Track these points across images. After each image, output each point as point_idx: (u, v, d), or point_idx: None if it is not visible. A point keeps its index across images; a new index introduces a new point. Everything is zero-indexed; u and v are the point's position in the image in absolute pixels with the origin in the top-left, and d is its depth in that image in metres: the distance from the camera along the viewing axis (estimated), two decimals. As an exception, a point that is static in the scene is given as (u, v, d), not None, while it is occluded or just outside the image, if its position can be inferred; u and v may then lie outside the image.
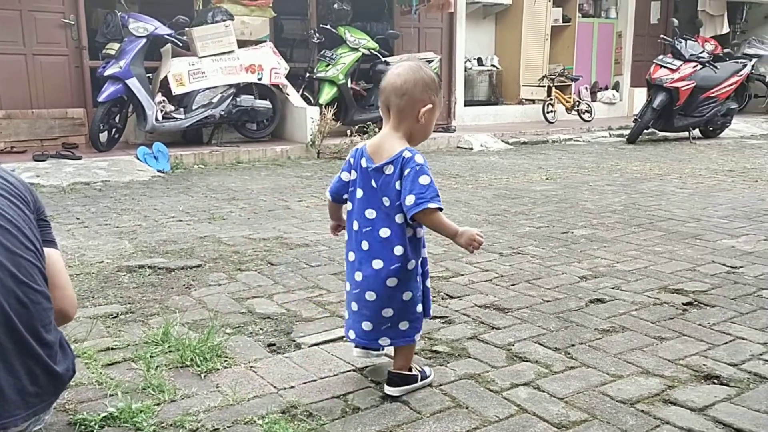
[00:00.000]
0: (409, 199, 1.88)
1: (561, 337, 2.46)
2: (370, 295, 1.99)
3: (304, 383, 2.10)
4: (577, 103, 10.82)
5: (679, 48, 9.11)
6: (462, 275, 3.20)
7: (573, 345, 2.39)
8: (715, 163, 7.23)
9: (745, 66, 9.74)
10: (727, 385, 2.08)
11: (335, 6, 8.43)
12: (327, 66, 8.22)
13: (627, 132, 9.52)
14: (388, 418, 1.90)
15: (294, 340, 2.44)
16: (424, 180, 1.89)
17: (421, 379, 2.07)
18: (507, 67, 11.14)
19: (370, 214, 1.98)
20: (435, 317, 2.65)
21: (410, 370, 2.05)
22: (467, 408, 1.95)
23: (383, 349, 2.17)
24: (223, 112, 7.44)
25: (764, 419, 1.86)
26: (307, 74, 8.46)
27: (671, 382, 2.10)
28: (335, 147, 7.68)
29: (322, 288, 3.02)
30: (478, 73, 10.91)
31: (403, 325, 2.01)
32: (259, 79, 7.66)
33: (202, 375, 2.16)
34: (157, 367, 2.20)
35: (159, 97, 7.20)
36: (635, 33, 12.48)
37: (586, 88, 12.03)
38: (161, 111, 7.17)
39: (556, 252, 3.62)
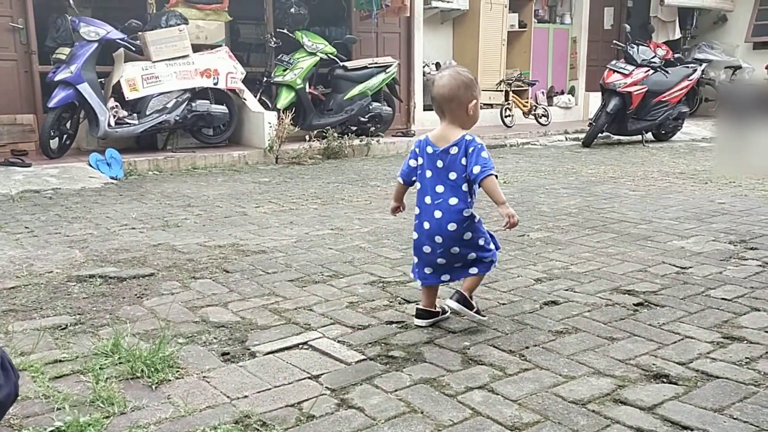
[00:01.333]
0: (476, 169, 2.44)
1: (515, 339, 2.48)
2: (455, 250, 2.52)
3: (258, 392, 2.08)
4: (534, 108, 10.98)
5: (632, 53, 9.32)
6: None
7: (527, 347, 2.41)
8: (667, 165, 7.40)
9: (695, 71, 10.01)
10: (675, 383, 2.12)
11: (292, 10, 8.39)
12: (284, 70, 8.17)
13: (582, 136, 9.69)
14: (342, 425, 1.89)
15: (248, 349, 2.40)
16: (485, 155, 2.46)
17: (476, 313, 2.59)
18: (465, 71, 11.23)
19: (440, 188, 2.51)
20: (391, 323, 2.65)
21: (471, 299, 2.59)
22: (422, 413, 1.95)
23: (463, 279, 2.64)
24: (178, 118, 7.34)
25: (710, 416, 1.91)
26: (265, 79, 8.40)
27: (622, 381, 2.13)
28: (293, 152, 7.64)
29: (278, 295, 2.99)
30: (436, 77, 10.98)
31: (486, 260, 2.59)
32: (215, 84, 7.58)
33: (153, 386, 2.11)
34: (106, 379, 2.15)
35: (111, 103, 7.06)
36: (589, 38, 12.73)
37: (543, 92, 12.22)
38: (114, 116, 7.03)
39: (512, 255, 3.65)
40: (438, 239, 2.52)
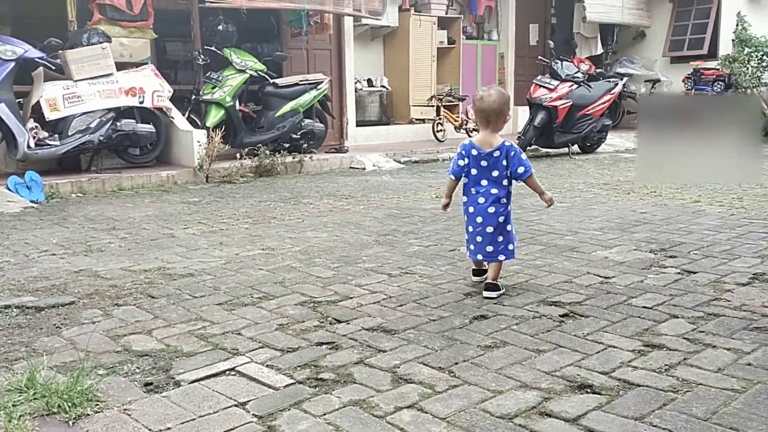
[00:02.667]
0: (521, 169, 3.17)
1: (445, 356, 2.49)
2: (489, 229, 3.20)
3: (182, 423, 2.01)
4: (465, 122, 11.17)
5: (556, 68, 9.61)
6: (351, 298, 3.19)
7: (456, 363, 2.42)
8: (592, 177, 7.64)
9: (617, 84, 10.39)
10: (598, 393, 2.17)
11: (220, 27, 8.30)
12: (213, 88, 8.06)
13: (512, 149, 9.87)
14: (269, 453, 1.85)
15: (173, 378, 2.33)
16: (523, 157, 3.20)
17: (501, 289, 3.21)
18: (396, 87, 11.36)
19: (484, 182, 3.21)
20: (321, 344, 2.62)
21: (497, 280, 3.23)
22: (351, 436, 1.92)
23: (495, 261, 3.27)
24: (102, 137, 7.12)
25: (631, 425, 1.96)
26: (193, 97, 8.26)
27: (548, 394, 2.17)
28: (224, 171, 7.52)
29: (205, 320, 2.92)
30: (368, 93, 11.05)
31: (510, 246, 3.25)
32: (141, 103, 7.40)
33: (71, 422, 2.02)
34: (20, 416, 2.04)
35: (31, 124, 6.79)
36: (516, 54, 13.07)
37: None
38: (34, 138, 6.76)
39: (443, 270, 3.68)
40: (479, 219, 3.21)
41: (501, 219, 3.20)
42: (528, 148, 9.62)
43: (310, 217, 5.35)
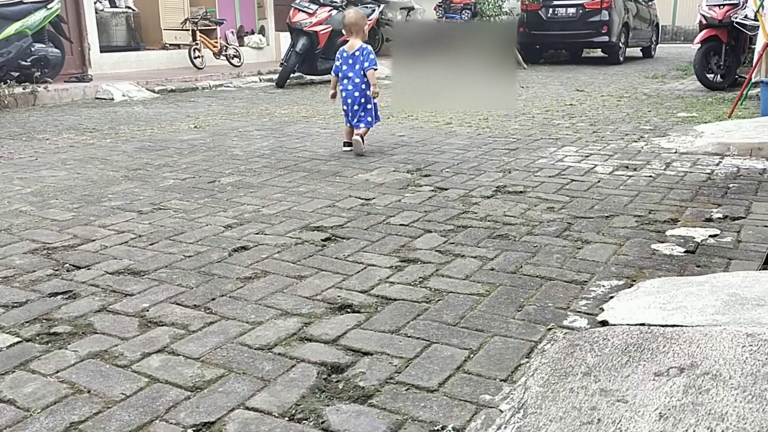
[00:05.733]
0: (366, 64, 4.61)
1: (201, 292, 2.32)
2: (355, 107, 4.63)
3: None
4: (224, 48, 10.64)
5: (314, -8, 9.44)
6: (93, 241, 2.85)
7: (213, 299, 2.27)
8: (354, 102, 7.70)
9: (374, 11, 10.53)
10: (358, 312, 2.17)
11: None
12: None
13: (276, 76, 9.68)
14: (-15, 427, 1.56)
15: None
16: (372, 56, 4.64)
17: (364, 145, 4.69)
18: (145, 9, 10.42)
19: (350, 74, 4.64)
20: (55, 294, 2.30)
21: (363, 140, 4.70)
22: (89, 392, 1.70)
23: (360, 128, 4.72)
24: None
25: (388, 338, 1.98)
26: None
27: (308, 318, 2.12)
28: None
29: None
30: (112, 15, 10.00)
31: (369, 119, 4.70)
32: None
33: None
34: None
35: None
36: (275, -23, 12.65)
37: (233, 32, 11.90)
38: None
39: (201, 203, 3.46)
40: (349, 101, 4.64)
41: (362, 100, 4.62)
42: (292, 75, 9.46)
43: (45, 154, 4.71)
